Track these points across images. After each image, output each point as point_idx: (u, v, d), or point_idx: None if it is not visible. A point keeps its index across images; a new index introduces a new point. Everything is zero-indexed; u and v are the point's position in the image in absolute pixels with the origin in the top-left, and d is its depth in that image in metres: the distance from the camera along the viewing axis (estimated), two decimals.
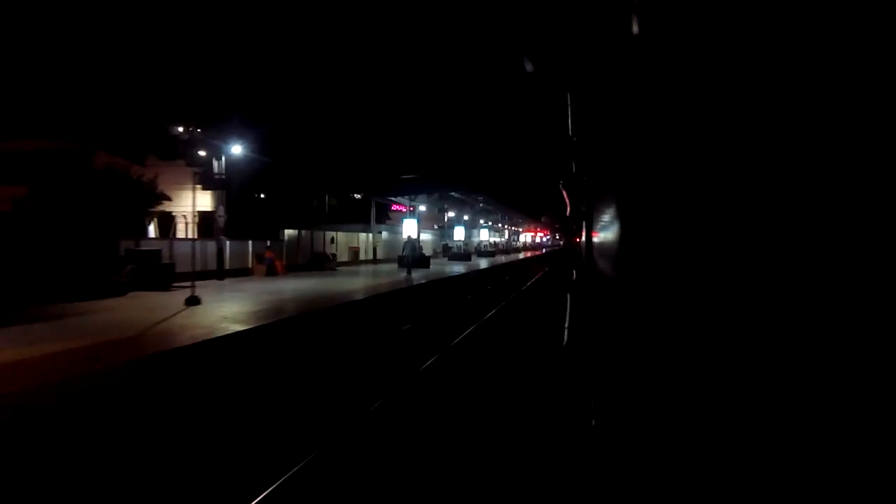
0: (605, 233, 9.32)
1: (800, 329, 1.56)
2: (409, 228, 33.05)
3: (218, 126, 21.58)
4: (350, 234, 34.64)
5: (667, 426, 2.93)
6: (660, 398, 3.14)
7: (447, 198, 40.95)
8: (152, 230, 23.98)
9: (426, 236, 55.30)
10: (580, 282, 23.21)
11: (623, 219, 5.13)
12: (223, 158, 21.20)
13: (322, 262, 29.07)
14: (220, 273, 20.97)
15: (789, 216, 1.63)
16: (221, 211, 21.22)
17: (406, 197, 33.24)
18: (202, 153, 21.81)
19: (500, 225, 67.66)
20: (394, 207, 72.24)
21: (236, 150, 21.00)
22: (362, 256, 35.66)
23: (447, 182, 34.33)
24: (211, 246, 21.35)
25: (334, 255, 30.50)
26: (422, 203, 34.43)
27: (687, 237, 2.67)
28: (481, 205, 45.64)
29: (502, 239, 73.08)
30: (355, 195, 33.60)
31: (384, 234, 39.47)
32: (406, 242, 24.81)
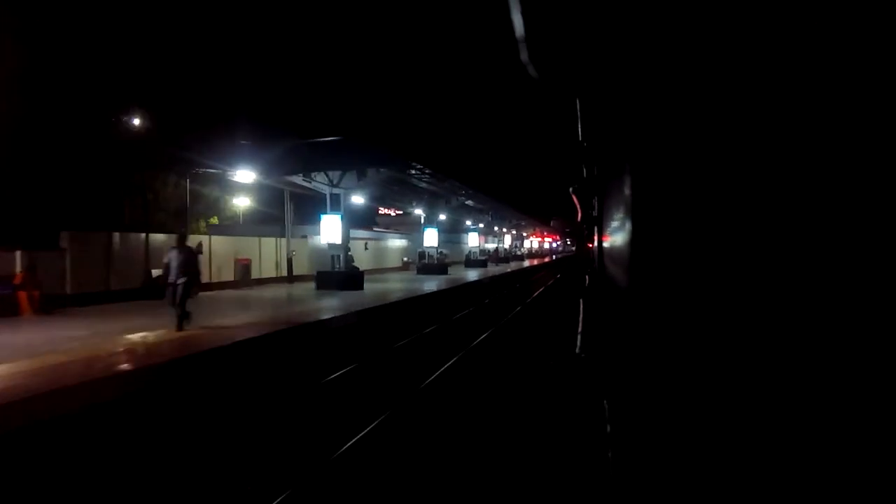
0: (616, 237, 7.06)
1: (825, 333, 1.56)
2: (330, 230, 21.20)
3: None
4: (242, 238, 22.83)
5: (682, 432, 2.67)
6: (675, 402, 2.76)
7: (411, 189, 28.98)
8: None
9: (399, 242, 43.49)
10: (592, 287, 19.48)
11: (635, 223, 4.04)
12: None
13: None
14: None
15: (804, 225, 1.65)
16: None
17: (321, 178, 21.23)
18: None
19: (496, 228, 55.40)
20: (380, 211, 60.02)
21: None
22: (265, 273, 23.59)
23: (396, 152, 21.41)
24: None
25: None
26: (354, 191, 22.39)
27: (700, 241, 2.55)
28: (462, 197, 33.60)
29: (501, 245, 60.58)
30: (229, 173, 21.55)
31: (313, 240, 27.71)
32: (169, 255, 12.10)
